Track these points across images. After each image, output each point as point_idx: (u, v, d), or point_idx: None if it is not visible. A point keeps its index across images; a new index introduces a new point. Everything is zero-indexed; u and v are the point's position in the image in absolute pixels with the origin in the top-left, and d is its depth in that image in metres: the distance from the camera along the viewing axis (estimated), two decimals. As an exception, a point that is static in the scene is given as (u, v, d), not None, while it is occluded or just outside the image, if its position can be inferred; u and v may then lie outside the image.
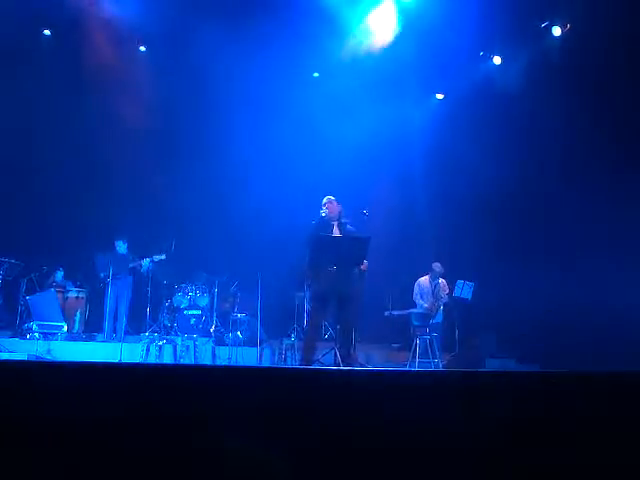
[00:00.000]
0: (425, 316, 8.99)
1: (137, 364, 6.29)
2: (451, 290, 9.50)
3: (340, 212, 6.96)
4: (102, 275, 9.42)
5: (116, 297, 9.53)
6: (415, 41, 10.23)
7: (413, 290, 9.45)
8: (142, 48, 11.22)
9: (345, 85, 10.75)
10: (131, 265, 9.62)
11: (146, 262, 9.56)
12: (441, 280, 9.28)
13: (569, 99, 9.39)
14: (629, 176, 8.65)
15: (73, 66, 10.55)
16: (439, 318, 9.20)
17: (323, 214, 6.94)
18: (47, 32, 10.77)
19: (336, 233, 6.86)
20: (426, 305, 9.22)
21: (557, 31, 10.09)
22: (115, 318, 9.52)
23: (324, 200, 7.02)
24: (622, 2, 8.52)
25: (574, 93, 9.35)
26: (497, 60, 10.99)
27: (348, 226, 6.97)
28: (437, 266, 9.35)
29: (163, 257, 9.51)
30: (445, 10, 9.55)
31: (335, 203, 6.97)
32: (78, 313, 9.63)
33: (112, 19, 10.05)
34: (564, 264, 9.11)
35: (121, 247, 9.78)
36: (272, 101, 11.02)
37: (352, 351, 6.94)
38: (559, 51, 10.04)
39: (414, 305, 9.47)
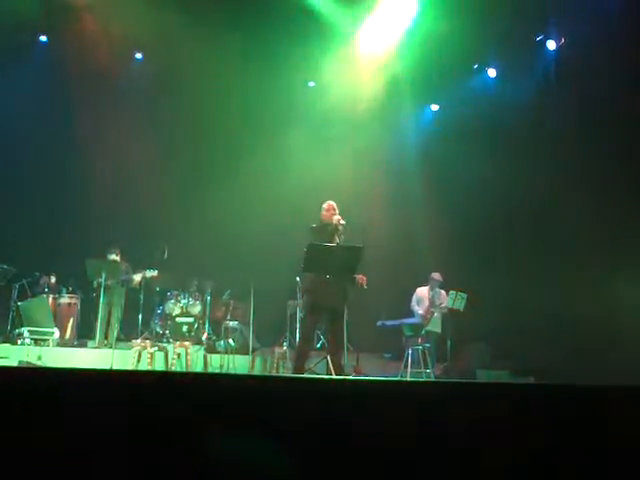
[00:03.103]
0: (417, 326, 8.99)
1: (128, 371, 6.25)
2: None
3: (339, 218, 6.90)
4: (94, 282, 9.37)
5: (108, 304, 9.46)
6: (411, 52, 10.30)
7: (412, 298, 9.48)
8: (138, 55, 11.26)
9: (342, 96, 10.79)
10: (123, 278, 9.57)
11: (137, 277, 9.53)
12: (441, 291, 9.30)
13: (567, 110, 9.47)
14: (629, 185, 8.71)
15: (68, 72, 10.56)
16: (437, 327, 9.19)
17: (323, 219, 6.91)
18: (43, 38, 10.80)
19: (334, 239, 6.81)
20: (421, 312, 9.24)
21: (552, 44, 10.17)
22: (107, 325, 9.46)
23: (324, 205, 6.99)
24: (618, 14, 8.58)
25: (571, 104, 9.42)
26: (492, 73, 11.07)
27: (342, 236, 6.92)
28: (436, 275, 9.37)
29: (155, 273, 9.45)
30: (440, 22, 9.64)
31: (335, 208, 6.95)
32: (70, 319, 9.57)
33: (108, 26, 10.07)
34: (560, 276, 9.13)
35: (114, 258, 9.73)
36: (267, 110, 11.04)
37: (344, 361, 6.94)
38: (555, 63, 10.11)
39: (411, 313, 9.48)
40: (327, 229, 6.80)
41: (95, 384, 2.48)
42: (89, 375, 2.66)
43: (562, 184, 9.48)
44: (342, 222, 6.77)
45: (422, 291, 9.46)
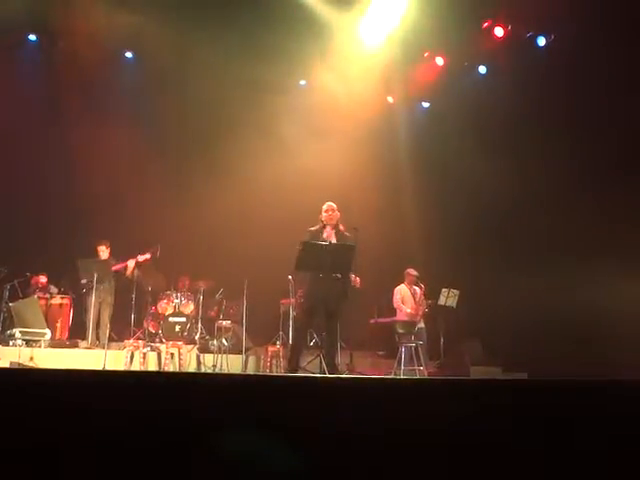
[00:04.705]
0: (410, 324, 9.00)
1: (121, 372, 6.23)
2: (436, 298, 9.55)
3: (339, 219, 6.88)
4: (85, 281, 9.31)
5: (99, 303, 9.41)
6: (402, 49, 10.30)
7: (394, 297, 9.47)
8: (128, 54, 11.21)
9: (334, 94, 10.78)
10: (115, 267, 9.51)
11: (130, 263, 9.45)
12: (419, 288, 9.33)
13: (557, 106, 9.50)
14: (621, 184, 8.75)
15: (56, 69, 10.53)
16: (422, 322, 9.26)
17: (322, 220, 6.88)
18: (33, 37, 10.75)
19: (333, 240, 6.76)
20: (410, 310, 9.24)
21: (542, 41, 10.21)
22: (98, 325, 9.41)
23: (324, 206, 6.96)
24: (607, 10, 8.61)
25: (561, 100, 9.45)
26: (482, 69, 11.12)
27: (346, 234, 6.87)
28: (412, 271, 9.39)
29: (147, 256, 9.37)
30: (430, 19, 9.64)
31: (335, 210, 6.92)
32: (61, 320, 9.51)
33: (97, 25, 10.01)
34: (551, 272, 9.16)
35: (104, 252, 9.66)
36: (260, 108, 11.01)
37: (337, 359, 6.94)
38: (545, 60, 10.14)
39: (395, 312, 9.49)
40: (324, 232, 6.78)
41: (89, 385, 2.46)
42: (82, 375, 2.65)
43: (554, 180, 9.51)
44: (344, 231, 6.77)
45: (404, 289, 9.45)
